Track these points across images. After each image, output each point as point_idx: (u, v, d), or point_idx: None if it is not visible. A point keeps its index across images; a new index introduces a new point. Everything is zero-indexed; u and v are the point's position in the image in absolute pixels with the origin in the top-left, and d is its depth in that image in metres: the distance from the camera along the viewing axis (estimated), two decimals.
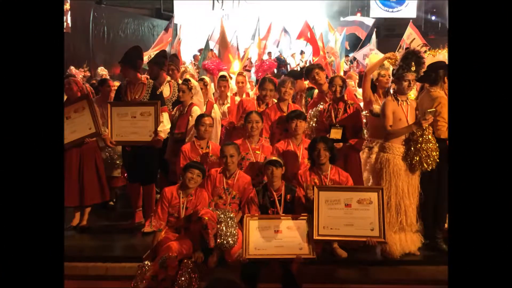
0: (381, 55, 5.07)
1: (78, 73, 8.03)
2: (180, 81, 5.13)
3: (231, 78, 6.15)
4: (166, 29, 9.90)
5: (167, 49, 9.26)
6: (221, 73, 5.72)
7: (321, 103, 4.65)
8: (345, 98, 4.40)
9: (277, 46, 14.53)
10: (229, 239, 3.32)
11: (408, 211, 3.74)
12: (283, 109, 4.49)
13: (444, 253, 3.74)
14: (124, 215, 4.74)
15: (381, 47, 10.30)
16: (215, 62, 6.80)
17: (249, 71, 10.01)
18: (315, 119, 4.52)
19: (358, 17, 15.44)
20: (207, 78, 5.51)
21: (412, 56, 3.76)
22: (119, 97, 4.44)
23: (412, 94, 4.61)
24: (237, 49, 9.38)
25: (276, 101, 4.66)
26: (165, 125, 4.34)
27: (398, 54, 4.36)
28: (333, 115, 4.34)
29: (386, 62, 4.58)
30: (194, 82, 4.79)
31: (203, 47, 9.70)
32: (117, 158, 4.96)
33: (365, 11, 17.95)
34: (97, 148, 4.47)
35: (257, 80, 7.73)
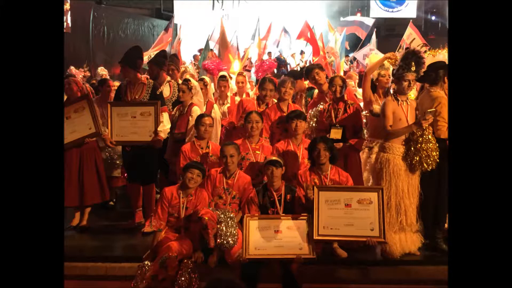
0: (381, 55, 5.07)
1: (78, 73, 8.02)
2: (180, 81, 5.13)
3: (231, 78, 6.15)
4: (166, 29, 9.89)
5: (167, 49, 9.24)
6: (221, 73, 5.72)
7: (321, 103, 4.65)
8: (345, 98, 4.40)
9: (277, 46, 14.53)
10: (229, 239, 3.32)
11: (408, 211, 3.74)
12: (283, 109, 4.49)
13: (444, 253, 3.74)
14: (124, 215, 4.73)
15: (381, 47, 10.30)
16: (215, 62, 6.79)
17: (249, 71, 10.00)
18: (315, 119, 4.52)
19: (358, 17, 15.44)
20: (207, 78, 5.51)
21: (412, 56, 3.76)
22: (119, 97, 4.44)
23: (412, 94, 4.61)
24: (237, 49, 9.38)
25: (276, 101, 4.66)
26: (165, 125, 4.34)
27: (398, 54, 4.36)
28: (333, 115, 4.34)
29: (386, 62, 4.58)
30: (194, 82, 4.79)
31: (203, 47, 9.69)
32: (117, 158, 4.95)
33: (365, 11, 17.95)
34: (97, 148, 4.46)
35: (257, 80, 7.72)
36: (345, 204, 3.54)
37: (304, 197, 3.72)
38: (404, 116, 3.75)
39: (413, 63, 3.72)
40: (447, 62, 3.82)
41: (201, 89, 4.97)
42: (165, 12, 15.70)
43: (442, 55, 5.54)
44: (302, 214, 3.59)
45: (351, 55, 13.24)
